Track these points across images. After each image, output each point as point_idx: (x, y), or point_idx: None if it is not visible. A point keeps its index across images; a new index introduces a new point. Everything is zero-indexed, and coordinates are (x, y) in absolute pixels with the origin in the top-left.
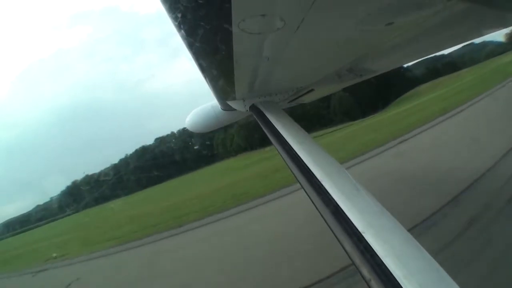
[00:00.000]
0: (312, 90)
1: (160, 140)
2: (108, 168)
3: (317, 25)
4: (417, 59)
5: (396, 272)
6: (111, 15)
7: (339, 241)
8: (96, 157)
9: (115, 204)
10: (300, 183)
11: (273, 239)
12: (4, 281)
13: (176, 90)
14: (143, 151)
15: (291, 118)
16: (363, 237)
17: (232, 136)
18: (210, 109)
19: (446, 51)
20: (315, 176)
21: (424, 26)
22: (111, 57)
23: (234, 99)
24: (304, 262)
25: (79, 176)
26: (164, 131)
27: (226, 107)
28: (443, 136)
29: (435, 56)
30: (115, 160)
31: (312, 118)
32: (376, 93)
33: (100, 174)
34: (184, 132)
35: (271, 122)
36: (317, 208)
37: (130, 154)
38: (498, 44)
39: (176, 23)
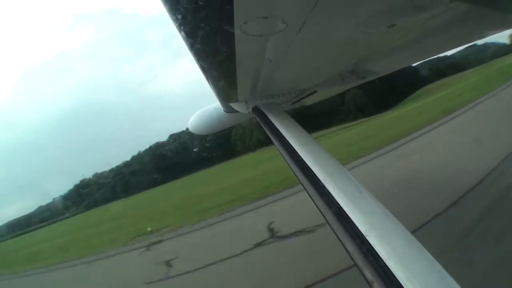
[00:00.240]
0: (314, 92)
1: (173, 137)
2: (120, 165)
3: (319, 27)
4: (419, 60)
5: (398, 274)
6: (113, 16)
7: (341, 242)
8: (97, 158)
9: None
10: (302, 184)
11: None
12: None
13: (178, 91)
14: (157, 148)
15: (293, 120)
16: (365, 239)
17: (251, 131)
18: (212, 111)
19: (448, 53)
20: (318, 178)
21: (426, 28)
22: (112, 58)
23: (236, 101)
24: None
25: (86, 175)
26: (164, 132)
27: (228, 109)
28: (457, 131)
29: (438, 57)
30: (116, 161)
31: (328, 115)
32: (388, 91)
33: (122, 165)
34: None
35: (273, 124)
36: (319, 210)
37: (144, 151)
38: (502, 46)
39: (178, 26)
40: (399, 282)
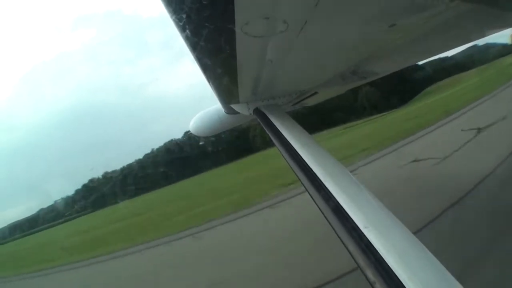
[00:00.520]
0: (316, 93)
1: (188, 135)
2: (131, 163)
3: (320, 27)
4: (420, 60)
5: (402, 276)
6: (114, 18)
7: (343, 243)
8: (98, 159)
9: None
10: (304, 185)
11: None
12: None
13: (179, 93)
14: (172, 145)
15: (294, 121)
16: (368, 240)
17: None
18: (214, 112)
19: (449, 53)
20: (319, 179)
21: (426, 27)
22: (114, 60)
23: (237, 102)
24: None
25: (96, 174)
26: (165, 135)
27: (230, 111)
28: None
29: (443, 57)
30: (118, 162)
31: (345, 110)
32: (399, 88)
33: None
34: None
35: (274, 125)
36: (321, 211)
37: (157, 148)
38: (504, 46)
39: (180, 27)
40: (401, 283)
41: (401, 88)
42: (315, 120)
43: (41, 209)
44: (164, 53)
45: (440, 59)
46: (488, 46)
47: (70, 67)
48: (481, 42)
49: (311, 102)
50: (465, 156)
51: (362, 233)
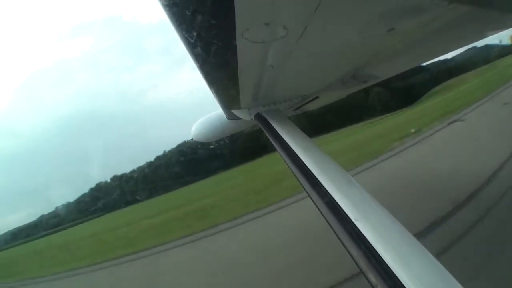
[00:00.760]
0: (317, 97)
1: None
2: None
3: (320, 32)
4: (420, 63)
5: (402, 276)
6: (113, 25)
7: (346, 248)
8: (100, 163)
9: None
10: (306, 190)
11: None
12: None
13: (179, 99)
14: (184, 146)
15: (296, 126)
16: (370, 244)
17: None
18: (215, 118)
19: (449, 55)
20: (321, 184)
21: (425, 30)
22: (113, 67)
23: (239, 108)
24: None
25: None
26: (166, 138)
27: (231, 116)
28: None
29: (444, 58)
30: (119, 167)
31: (359, 110)
32: (408, 88)
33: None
34: None
35: (276, 130)
36: (323, 216)
37: (170, 150)
38: (505, 46)
39: (179, 33)
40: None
41: (408, 88)
42: (332, 119)
43: (42, 215)
44: (164, 59)
45: (440, 61)
46: (489, 47)
47: (69, 73)
48: (480, 43)
49: (312, 106)
50: None
51: (366, 238)
